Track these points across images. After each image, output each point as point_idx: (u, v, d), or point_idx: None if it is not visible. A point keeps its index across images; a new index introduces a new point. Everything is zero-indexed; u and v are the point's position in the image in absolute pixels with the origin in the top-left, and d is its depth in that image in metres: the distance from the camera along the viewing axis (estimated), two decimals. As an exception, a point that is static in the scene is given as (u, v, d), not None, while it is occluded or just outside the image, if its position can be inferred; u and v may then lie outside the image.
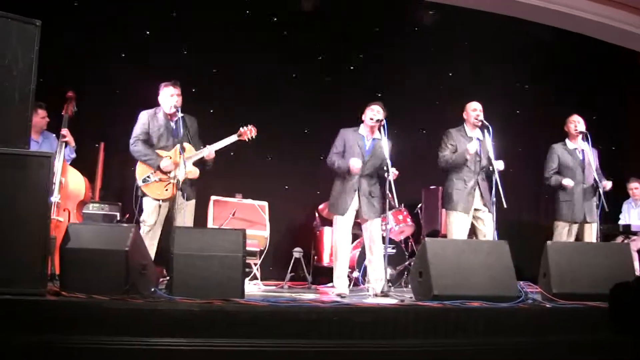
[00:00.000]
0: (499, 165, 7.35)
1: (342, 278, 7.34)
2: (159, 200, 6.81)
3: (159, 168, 6.79)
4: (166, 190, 6.80)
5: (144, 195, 6.84)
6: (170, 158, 6.84)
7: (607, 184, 8.06)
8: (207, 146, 6.96)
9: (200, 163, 6.99)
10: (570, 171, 8.05)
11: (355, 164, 7.21)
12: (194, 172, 6.87)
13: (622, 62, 11.73)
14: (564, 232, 8.01)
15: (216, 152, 7.03)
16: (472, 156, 7.46)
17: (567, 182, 7.91)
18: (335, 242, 7.46)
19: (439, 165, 7.70)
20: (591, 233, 7.99)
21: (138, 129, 6.95)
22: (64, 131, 7.04)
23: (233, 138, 7.10)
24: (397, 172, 7.12)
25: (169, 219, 6.87)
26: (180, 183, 6.72)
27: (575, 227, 8.01)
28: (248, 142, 7.18)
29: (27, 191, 4.68)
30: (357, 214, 7.42)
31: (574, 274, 5.93)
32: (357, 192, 7.32)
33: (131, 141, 6.92)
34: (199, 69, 9.68)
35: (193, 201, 7.01)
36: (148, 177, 6.82)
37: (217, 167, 8.44)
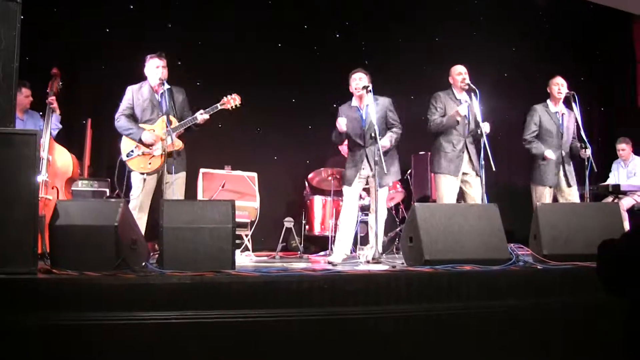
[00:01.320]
0: (486, 127, 7.32)
1: (342, 245, 7.32)
2: (143, 173, 6.83)
3: (140, 141, 6.80)
4: (149, 164, 6.81)
5: (130, 170, 6.86)
6: (154, 131, 6.84)
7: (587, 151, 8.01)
8: (198, 112, 6.96)
9: (187, 131, 7.01)
10: (549, 135, 8.05)
11: (340, 121, 7.25)
12: (178, 144, 6.85)
13: (611, 23, 11.71)
14: (538, 196, 8.01)
15: (204, 123, 7.03)
16: (462, 119, 7.46)
17: (549, 154, 7.90)
18: (341, 212, 7.46)
19: (428, 129, 7.68)
20: (570, 197, 7.99)
21: (123, 104, 6.99)
22: (51, 99, 6.99)
23: (217, 107, 7.08)
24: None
25: (158, 193, 6.89)
26: (165, 156, 6.74)
27: (550, 191, 8.00)
28: (231, 110, 7.14)
29: (14, 170, 4.64)
30: (368, 182, 7.44)
31: (565, 235, 5.94)
32: (365, 162, 7.30)
33: (115, 116, 6.96)
34: (184, 42, 9.62)
35: (183, 174, 7.00)
36: (132, 151, 6.84)
37: (206, 139, 8.44)
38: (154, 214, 6.82)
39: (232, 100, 7.12)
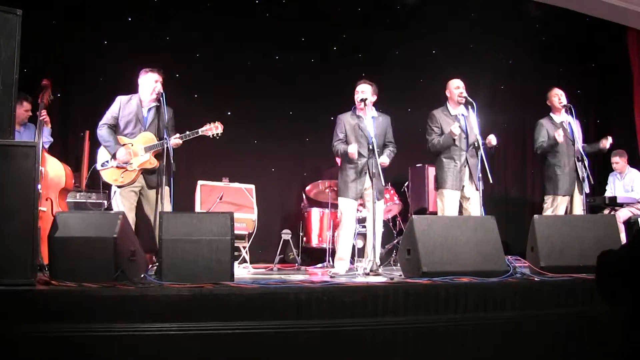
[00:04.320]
0: (492, 139, 7.38)
1: (344, 260, 7.37)
2: (116, 186, 6.86)
3: (114, 156, 6.81)
4: (122, 177, 6.83)
5: (103, 180, 6.91)
6: (132, 145, 6.86)
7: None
8: (173, 137, 6.89)
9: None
10: (559, 145, 8.06)
11: (351, 149, 7.18)
12: (152, 162, 6.87)
13: (606, 36, 11.74)
14: (554, 206, 8.04)
15: (202, 136, 7.04)
16: (460, 134, 7.47)
17: (559, 132, 7.92)
18: (343, 225, 7.42)
19: (429, 150, 7.73)
20: (580, 205, 8.05)
21: (108, 114, 6.99)
22: (43, 112, 6.99)
23: (197, 132, 7.08)
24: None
25: (141, 209, 6.92)
26: (139, 172, 6.83)
27: (566, 199, 8.05)
28: (212, 138, 7.15)
29: (13, 182, 4.65)
30: (364, 194, 7.41)
31: (561, 247, 5.94)
32: (367, 175, 7.25)
33: (99, 124, 6.95)
34: (181, 54, 9.65)
35: (166, 189, 6.90)
36: (107, 161, 6.86)
37: (204, 151, 8.45)
38: (148, 227, 6.84)
39: (215, 129, 7.13)
